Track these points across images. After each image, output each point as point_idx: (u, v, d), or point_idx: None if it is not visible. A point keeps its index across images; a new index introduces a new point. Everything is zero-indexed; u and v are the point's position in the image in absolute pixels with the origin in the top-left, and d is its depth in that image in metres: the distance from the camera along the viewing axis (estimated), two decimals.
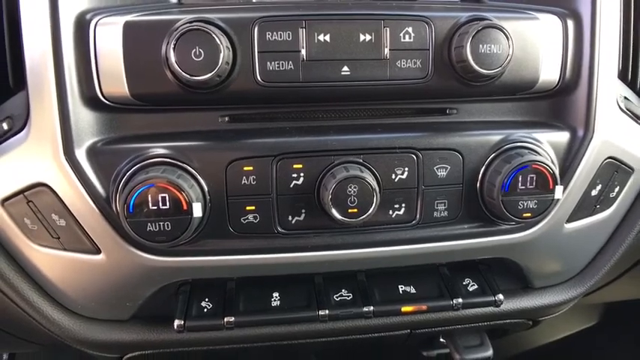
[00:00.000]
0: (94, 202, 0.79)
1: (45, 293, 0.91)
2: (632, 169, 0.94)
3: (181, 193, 0.74)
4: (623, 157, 0.92)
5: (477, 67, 0.77)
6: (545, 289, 1.04)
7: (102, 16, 0.77)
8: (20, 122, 0.79)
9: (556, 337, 1.86)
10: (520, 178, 0.81)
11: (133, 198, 0.74)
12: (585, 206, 0.93)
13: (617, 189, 0.95)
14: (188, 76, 0.72)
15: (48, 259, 0.85)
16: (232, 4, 0.83)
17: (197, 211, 0.75)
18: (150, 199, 0.74)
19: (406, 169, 0.82)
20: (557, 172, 0.81)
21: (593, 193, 0.92)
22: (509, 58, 0.78)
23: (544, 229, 0.91)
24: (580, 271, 1.04)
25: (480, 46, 0.77)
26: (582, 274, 1.05)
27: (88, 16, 0.77)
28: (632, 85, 0.95)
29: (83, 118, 0.78)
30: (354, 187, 0.77)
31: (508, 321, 1.07)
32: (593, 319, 1.82)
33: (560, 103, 0.88)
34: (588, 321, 1.83)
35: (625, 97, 0.91)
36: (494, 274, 0.99)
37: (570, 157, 0.88)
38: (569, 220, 0.93)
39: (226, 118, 0.83)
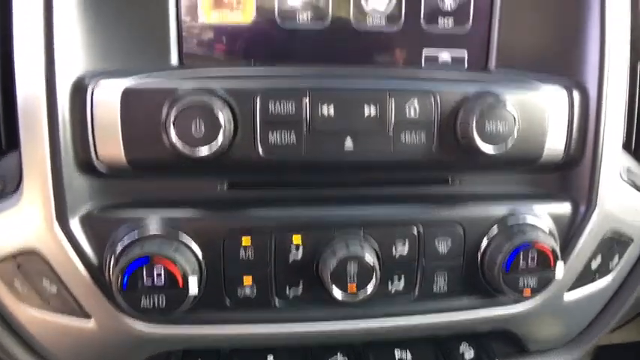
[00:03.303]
0: (87, 271, 0.77)
1: (33, 351, 0.88)
2: (632, 240, 0.93)
3: (177, 268, 0.72)
4: (624, 229, 0.91)
5: (481, 145, 0.75)
6: (541, 353, 1.03)
7: (100, 79, 0.75)
8: (13, 184, 0.77)
9: None
10: (521, 256, 0.79)
11: (128, 273, 0.72)
12: (585, 276, 0.92)
13: (616, 258, 0.94)
14: (188, 152, 0.70)
15: (37, 321, 0.83)
16: (234, 69, 0.81)
17: (193, 286, 0.73)
18: (145, 273, 0.72)
19: (407, 242, 0.81)
20: (558, 249, 0.80)
21: (594, 265, 0.91)
22: (514, 135, 0.77)
23: (544, 299, 0.90)
24: (577, 335, 1.04)
25: (486, 122, 0.75)
26: (579, 338, 1.03)
27: (85, 81, 0.74)
28: (635, 153, 0.94)
29: (77, 183, 0.76)
30: (354, 266, 0.75)
31: None
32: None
33: (564, 176, 0.87)
34: None
35: (628, 169, 0.91)
36: (490, 337, 0.97)
37: (572, 231, 0.87)
38: (568, 289, 0.92)
39: (225, 185, 0.82)
